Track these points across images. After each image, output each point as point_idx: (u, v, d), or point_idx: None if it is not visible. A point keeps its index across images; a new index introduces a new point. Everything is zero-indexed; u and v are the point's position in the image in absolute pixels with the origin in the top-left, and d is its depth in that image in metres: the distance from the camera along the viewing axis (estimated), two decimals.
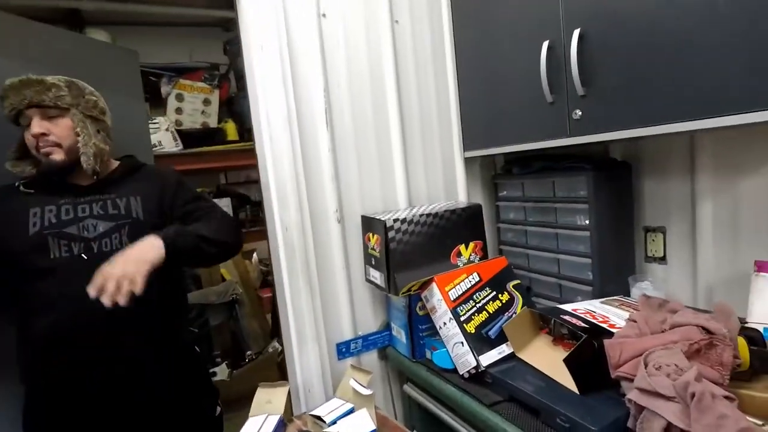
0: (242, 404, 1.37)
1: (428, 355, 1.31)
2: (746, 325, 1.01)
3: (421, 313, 1.32)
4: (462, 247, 1.38)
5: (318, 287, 1.37)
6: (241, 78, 3.65)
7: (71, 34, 2.06)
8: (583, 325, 1.05)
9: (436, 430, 1.29)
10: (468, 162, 1.61)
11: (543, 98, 1.20)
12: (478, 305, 1.21)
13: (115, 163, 1.35)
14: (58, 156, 1.20)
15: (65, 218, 1.19)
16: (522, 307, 1.25)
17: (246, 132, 3.60)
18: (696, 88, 0.91)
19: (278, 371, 3.08)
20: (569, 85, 1.13)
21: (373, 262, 1.36)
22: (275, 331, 3.48)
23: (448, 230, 1.36)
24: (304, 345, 1.35)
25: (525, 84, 1.25)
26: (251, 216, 3.86)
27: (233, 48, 3.56)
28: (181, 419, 1.28)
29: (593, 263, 1.29)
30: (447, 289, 1.21)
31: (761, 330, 1.02)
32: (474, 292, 1.23)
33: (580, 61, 1.09)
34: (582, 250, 1.32)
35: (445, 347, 1.22)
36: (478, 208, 1.43)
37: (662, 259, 1.35)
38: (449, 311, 1.18)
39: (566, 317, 1.09)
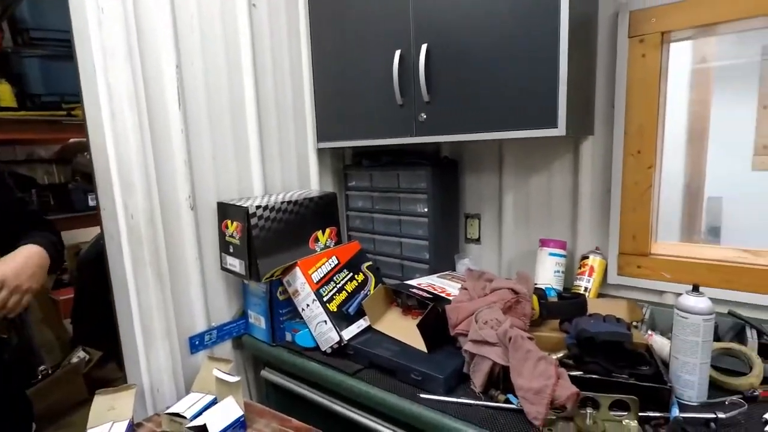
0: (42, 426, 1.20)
1: (289, 337, 1.35)
2: (536, 285, 1.37)
3: (281, 297, 1.35)
4: (319, 233, 1.46)
5: (169, 279, 1.27)
6: (23, 31, 2.94)
7: None
8: (428, 295, 1.25)
9: (292, 414, 1.35)
10: (320, 152, 1.69)
11: (394, 100, 1.36)
12: (338, 286, 1.31)
13: None
14: None
15: None
16: (375, 285, 1.40)
17: (30, 99, 2.91)
18: (500, 107, 1.18)
19: (86, 384, 2.67)
20: (417, 91, 1.31)
21: (232, 250, 1.33)
22: (79, 338, 2.97)
23: (307, 217, 1.42)
24: (152, 342, 1.24)
25: (378, 86, 1.39)
26: (39, 203, 3.17)
27: None
28: None
29: (429, 245, 1.53)
30: (310, 272, 1.28)
31: (544, 289, 1.40)
32: (334, 274, 1.33)
33: (427, 72, 1.28)
34: (421, 234, 1.55)
35: (307, 328, 1.29)
36: (333, 196, 1.53)
37: (478, 240, 1.68)
38: (313, 293, 1.25)
39: (414, 290, 1.28)
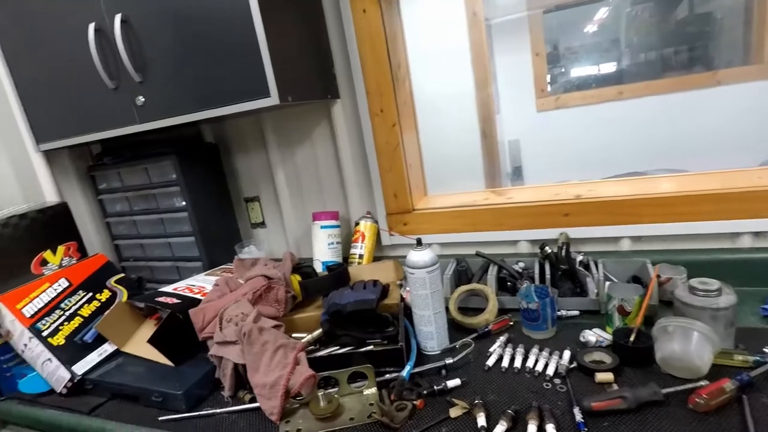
0: None
1: (22, 387, 1.12)
2: (306, 264, 1.31)
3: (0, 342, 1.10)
4: (48, 254, 1.22)
5: None
6: None
7: None
8: (177, 301, 1.12)
9: None
10: (52, 155, 1.41)
11: (104, 85, 1.15)
12: (68, 312, 1.11)
13: None
14: None
15: None
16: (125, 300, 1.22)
17: None
18: (214, 82, 1.06)
19: None
20: (124, 71, 1.12)
21: None
22: None
23: (21, 239, 1.17)
24: None
25: (84, 70, 1.16)
26: None
27: None
28: None
29: (197, 240, 1.38)
30: (19, 306, 1.05)
31: (319, 264, 1.35)
32: (61, 300, 1.11)
33: (131, 48, 1.09)
34: (187, 229, 1.39)
35: (34, 370, 1.07)
36: (62, 207, 1.29)
37: (262, 224, 1.58)
38: (26, 330, 1.03)
39: (162, 298, 1.13)
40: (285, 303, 1.10)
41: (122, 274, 1.25)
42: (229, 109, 1.07)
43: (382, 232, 1.39)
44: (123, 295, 1.22)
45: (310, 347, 1.00)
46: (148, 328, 1.17)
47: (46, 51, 1.23)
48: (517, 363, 0.89)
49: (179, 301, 1.11)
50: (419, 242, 0.99)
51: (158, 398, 0.95)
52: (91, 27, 1.11)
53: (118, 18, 1.08)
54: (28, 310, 1.05)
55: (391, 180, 1.35)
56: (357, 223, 1.38)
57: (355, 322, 1.02)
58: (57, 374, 1.04)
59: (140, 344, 1.13)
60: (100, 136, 1.24)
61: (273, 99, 1.02)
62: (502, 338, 0.99)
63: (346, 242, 1.41)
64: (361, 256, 1.35)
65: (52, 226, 1.23)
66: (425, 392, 0.84)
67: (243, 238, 1.57)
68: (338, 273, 1.18)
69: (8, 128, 1.32)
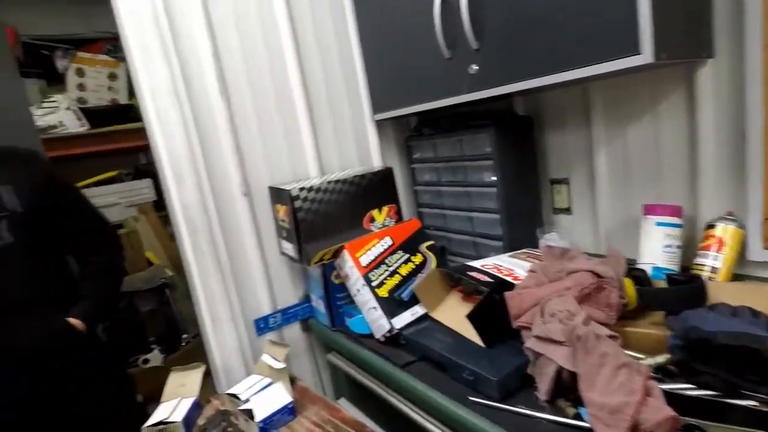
0: None
1: (347, 322, 1.30)
2: (634, 266, 1.08)
3: (336, 281, 1.29)
4: (375, 212, 1.36)
5: (229, 266, 1.30)
6: None
7: None
8: (488, 279, 1.07)
9: (363, 397, 1.30)
10: (380, 125, 1.57)
11: (441, 54, 1.17)
12: (390, 269, 1.20)
13: None
14: None
15: None
16: (436, 267, 1.26)
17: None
18: (563, 39, 0.92)
19: None
20: (463, 39, 1.10)
21: (285, 234, 1.31)
22: None
23: (359, 196, 1.33)
24: (219, 325, 1.29)
25: (423, 40, 1.20)
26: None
27: None
28: (95, 408, 1.26)
29: (502, 218, 1.32)
30: (358, 255, 1.19)
31: (649, 269, 1.10)
32: (386, 257, 1.22)
33: (472, 13, 1.06)
34: (492, 206, 1.34)
35: (361, 313, 1.21)
36: (388, 171, 1.41)
37: (567, 210, 1.40)
38: (361, 278, 1.16)
39: (473, 273, 1.10)
40: (617, 309, 0.92)
41: (432, 242, 1.30)
42: (577, 73, 0.91)
43: (750, 242, 1.03)
44: (432, 261, 1.27)
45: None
46: (455, 300, 1.17)
47: (393, 22, 1.33)
48: None
49: (491, 279, 1.07)
50: None
51: (470, 377, 0.92)
52: None
53: None
54: (363, 260, 1.18)
55: None
56: (711, 225, 1.05)
57: (725, 360, 0.75)
58: (378, 322, 1.14)
59: (447, 313, 1.15)
60: (427, 106, 1.28)
61: (645, 57, 0.81)
62: None
63: (688, 247, 1.10)
64: (714, 270, 1.03)
65: (379, 187, 1.37)
66: None
67: (544, 223, 1.44)
68: (692, 288, 0.91)
69: (354, 99, 1.53)
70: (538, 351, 0.87)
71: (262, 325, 1.36)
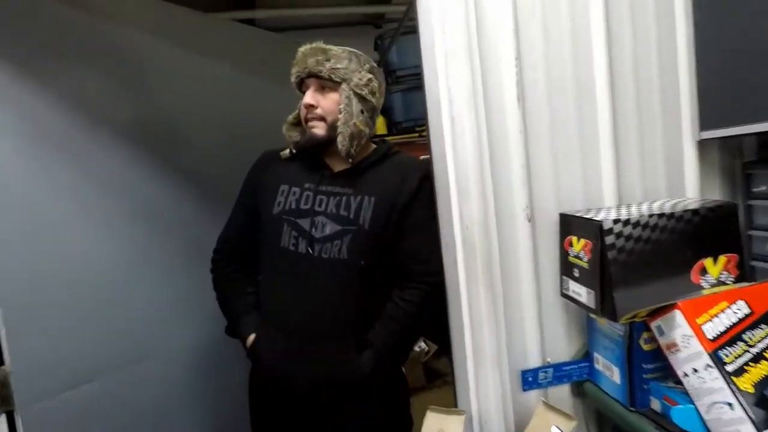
0: None
1: (654, 405, 0.96)
2: None
3: (646, 347, 0.98)
4: (708, 262, 0.99)
5: (501, 298, 1.12)
6: (390, 72, 3.59)
7: (251, 28, 2.20)
8: None
9: None
10: (702, 147, 1.19)
11: None
12: (751, 350, 0.83)
13: (372, 148, 1.31)
14: (319, 130, 1.21)
15: (303, 207, 1.21)
16: None
17: (394, 126, 3.54)
18: None
19: (424, 372, 2.98)
20: None
21: (576, 274, 1.05)
22: (420, 330, 3.35)
23: (688, 237, 0.98)
24: (482, 367, 1.11)
25: None
26: None
27: (384, 43, 3.52)
28: (378, 401, 1.27)
29: None
30: (699, 321, 0.85)
31: None
32: (743, 330, 0.85)
33: None
34: None
35: (692, 404, 0.86)
36: (730, 208, 1.03)
37: None
38: (706, 355, 0.82)
39: None
40: None
41: None
42: None
43: None
44: None
45: None
46: None
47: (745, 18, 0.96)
48: None
49: None
50: None
51: None
52: None
53: None
54: (709, 330, 0.84)
55: None
56: None
57: None
58: (733, 428, 0.78)
59: None
60: None
61: None
62: None
63: None
64: None
65: (717, 229, 1.00)
66: None
67: None
68: None
69: (671, 113, 1.19)
70: None
71: (530, 379, 1.13)
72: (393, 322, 1.23)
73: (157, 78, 1.65)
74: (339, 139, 1.17)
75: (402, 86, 3.45)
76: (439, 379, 2.94)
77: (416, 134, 3.40)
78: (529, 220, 1.12)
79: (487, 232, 1.09)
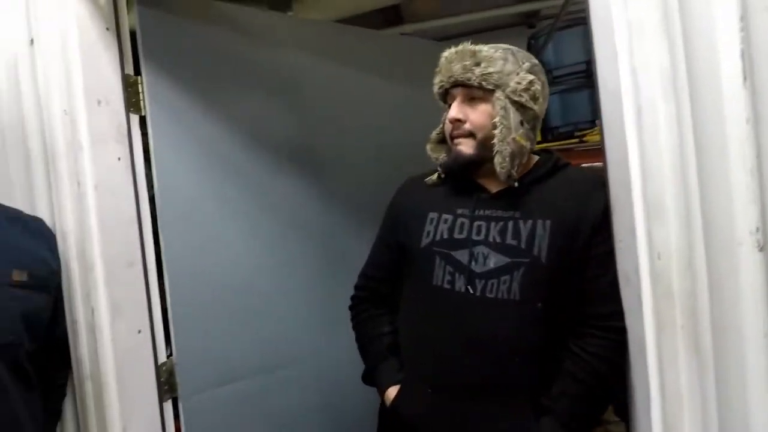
0: None
1: None
2: None
3: None
4: None
5: (711, 356, 0.81)
6: (548, 72, 3.26)
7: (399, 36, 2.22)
8: None
9: None
10: None
11: None
12: None
13: (534, 160, 1.11)
14: (466, 148, 1.03)
15: (458, 237, 1.03)
16: None
17: (550, 131, 3.22)
18: None
19: None
20: None
21: None
22: None
23: None
24: None
25: None
26: None
27: (537, 42, 3.24)
28: None
29: None
30: None
31: None
32: None
33: None
34: None
35: None
36: None
37: None
38: None
39: None
40: None
41: None
42: None
43: None
44: None
45: None
46: None
47: None
48: None
49: None
50: None
51: None
52: None
53: None
54: None
55: None
56: None
57: None
58: None
59: None
60: None
61: None
62: None
63: None
64: None
65: None
66: None
67: None
68: None
69: None
70: None
71: None
72: (577, 382, 0.98)
73: (312, 96, 1.72)
74: (497, 160, 0.97)
75: (560, 87, 3.12)
76: None
77: (576, 139, 3.02)
78: (761, 250, 0.78)
79: (690, 264, 0.79)
